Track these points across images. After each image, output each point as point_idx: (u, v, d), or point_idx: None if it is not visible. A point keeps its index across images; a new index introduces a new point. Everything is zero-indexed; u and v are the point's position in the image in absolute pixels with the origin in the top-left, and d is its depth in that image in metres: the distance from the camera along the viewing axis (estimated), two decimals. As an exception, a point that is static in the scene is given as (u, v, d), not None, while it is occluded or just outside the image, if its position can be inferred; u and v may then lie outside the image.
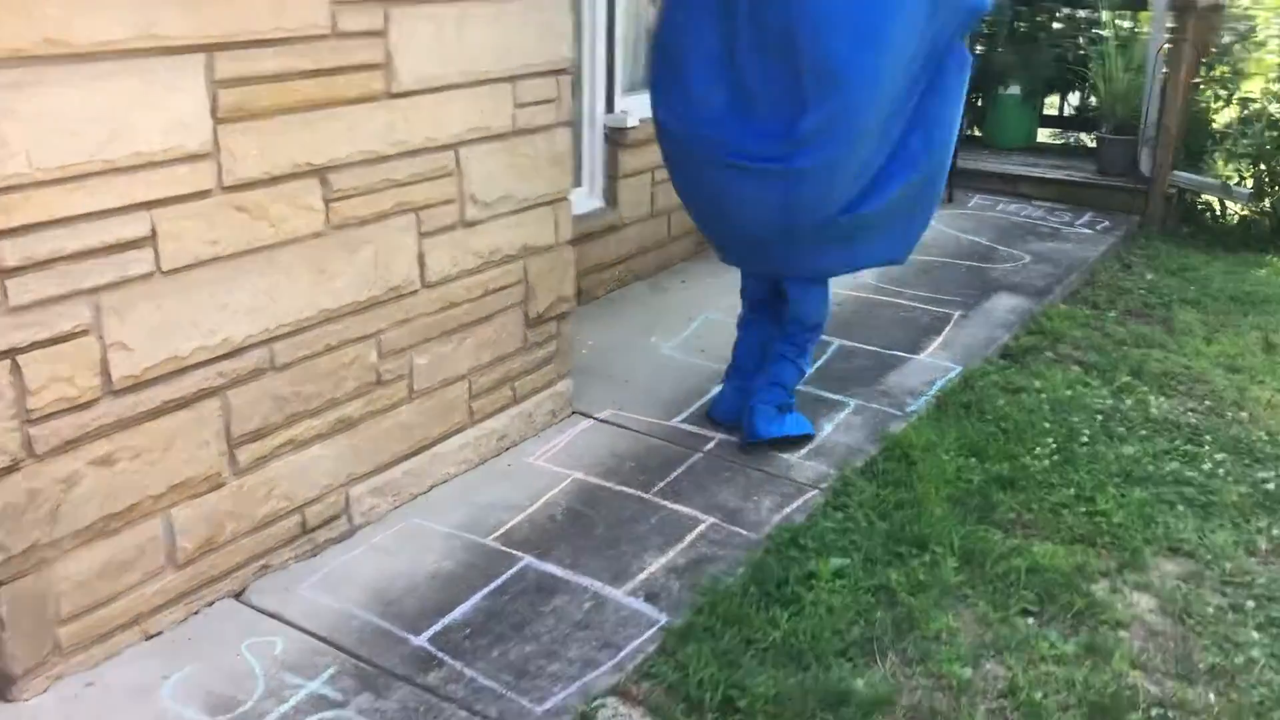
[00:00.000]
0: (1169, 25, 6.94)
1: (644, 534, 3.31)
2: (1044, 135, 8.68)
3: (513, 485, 3.55)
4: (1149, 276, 6.10)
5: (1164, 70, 6.95)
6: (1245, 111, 6.92)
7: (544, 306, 3.80)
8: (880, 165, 3.49)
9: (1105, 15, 7.78)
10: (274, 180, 2.77)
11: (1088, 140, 8.40)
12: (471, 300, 3.48)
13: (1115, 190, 7.17)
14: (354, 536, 3.23)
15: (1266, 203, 6.97)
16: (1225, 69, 7.11)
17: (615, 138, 5.22)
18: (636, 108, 5.41)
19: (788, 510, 3.47)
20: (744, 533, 3.33)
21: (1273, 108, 7.01)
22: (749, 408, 3.83)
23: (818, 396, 4.28)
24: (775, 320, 3.95)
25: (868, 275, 5.65)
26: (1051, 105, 8.65)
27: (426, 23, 3.10)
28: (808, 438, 3.91)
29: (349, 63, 2.90)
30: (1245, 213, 7.04)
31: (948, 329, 5.05)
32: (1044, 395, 4.36)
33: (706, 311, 5.15)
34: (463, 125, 3.30)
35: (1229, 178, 7.12)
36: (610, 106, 5.26)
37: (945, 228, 6.64)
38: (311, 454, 3.04)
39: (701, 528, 3.35)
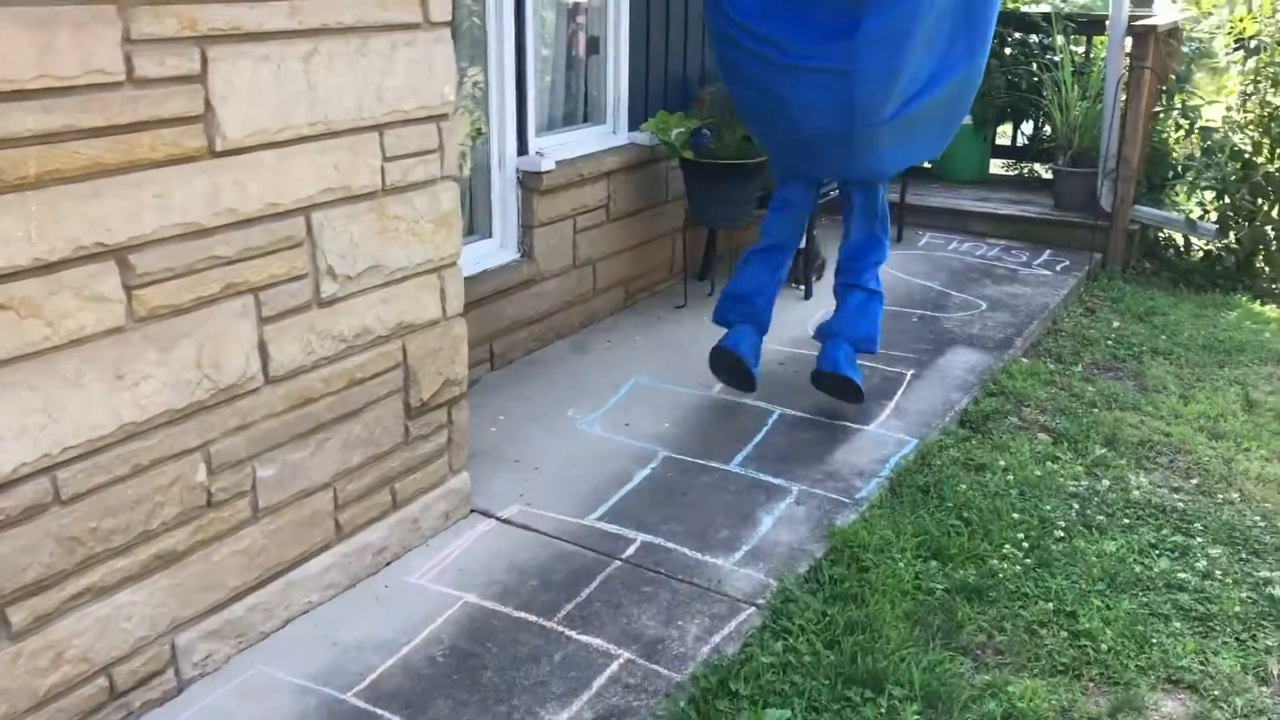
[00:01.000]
0: (1127, 51, 6.53)
1: (543, 679, 2.72)
2: (997, 166, 8.26)
3: (389, 615, 2.96)
4: (1115, 324, 5.64)
5: (1122, 99, 6.54)
6: (1207, 142, 6.52)
7: (429, 393, 3.22)
8: (933, 63, 3.69)
9: (1059, 40, 7.37)
10: (49, 267, 2.17)
11: (1043, 172, 7.97)
12: (333, 393, 2.89)
13: (1074, 226, 6.72)
14: (184, 694, 2.62)
15: (1232, 237, 6.57)
16: (1185, 96, 6.70)
17: (530, 183, 4.66)
18: (554, 148, 4.86)
19: (718, 638, 2.90)
20: (664, 672, 2.76)
21: (1235, 138, 6.63)
22: (842, 349, 4.17)
23: (755, 482, 3.74)
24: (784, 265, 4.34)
25: (810, 328, 5.14)
26: (1004, 135, 8.23)
27: (261, 64, 2.52)
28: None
29: (154, 116, 2.31)
30: (1210, 248, 6.63)
31: (900, 392, 4.53)
32: (1011, 475, 3.84)
33: (636, 375, 4.60)
34: (315, 186, 2.72)
35: (1192, 212, 6.72)
36: (523, 148, 4.70)
37: (895, 271, 6.15)
38: (119, 601, 2.43)
39: (613, 667, 2.78)
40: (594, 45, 5.24)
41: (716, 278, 5.61)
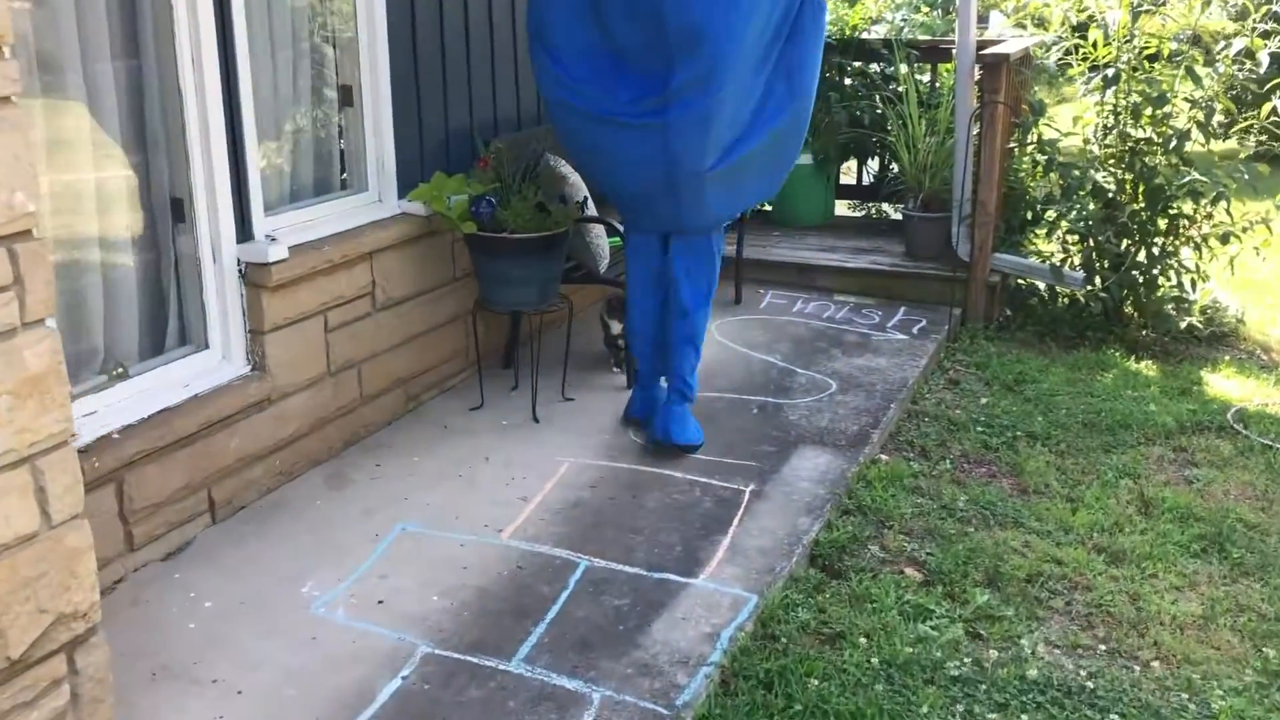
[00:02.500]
0: (976, 81, 5.86)
1: None
2: (842, 207, 7.54)
3: None
4: (983, 399, 4.90)
5: (975, 134, 5.86)
6: (1067, 180, 5.87)
7: (26, 643, 2.17)
8: (751, 112, 3.78)
9: (902, 70, 6.68)
10: None
11: (892, 212, 7.28)
12: None
13: (929, 279, 6.00)
14: None
15: (1098, 282, 5.94)
16: (1042, 130, 6.06)
17: (256, 277, 3.63)
18: (294, 228, 3.84)
19: None
20: None
21: (1097, 175, 6.01)
22: (663, 409, 4.14)
23: (544, 689, 2.78)
24: (662, 303, 4.16)
25: (632, 434, 4.22)
26: (849, 172, 7.51)
27: None
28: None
29: None
30: (1077, 296, 5.99)
31: (736, 520, 3.64)
32: (876, 654, 2.98)
33: (404, 518, 3.60)
34: None
35: (1054, 256, 6.08)
36: (246, 231, 3.66)
37: (731, 343, 5.30)
38: None
39: None
40: (347, 95, 4.24)
41: (523, 368, 4.65)
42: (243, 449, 3.62)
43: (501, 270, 4.23)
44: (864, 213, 7.53)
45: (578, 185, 4.65)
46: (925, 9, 19.93)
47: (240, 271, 3.64)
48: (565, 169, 4.68)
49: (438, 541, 3.48)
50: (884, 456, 4.30)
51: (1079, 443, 4.46)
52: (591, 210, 4.66)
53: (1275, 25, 7.11)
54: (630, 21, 3.68)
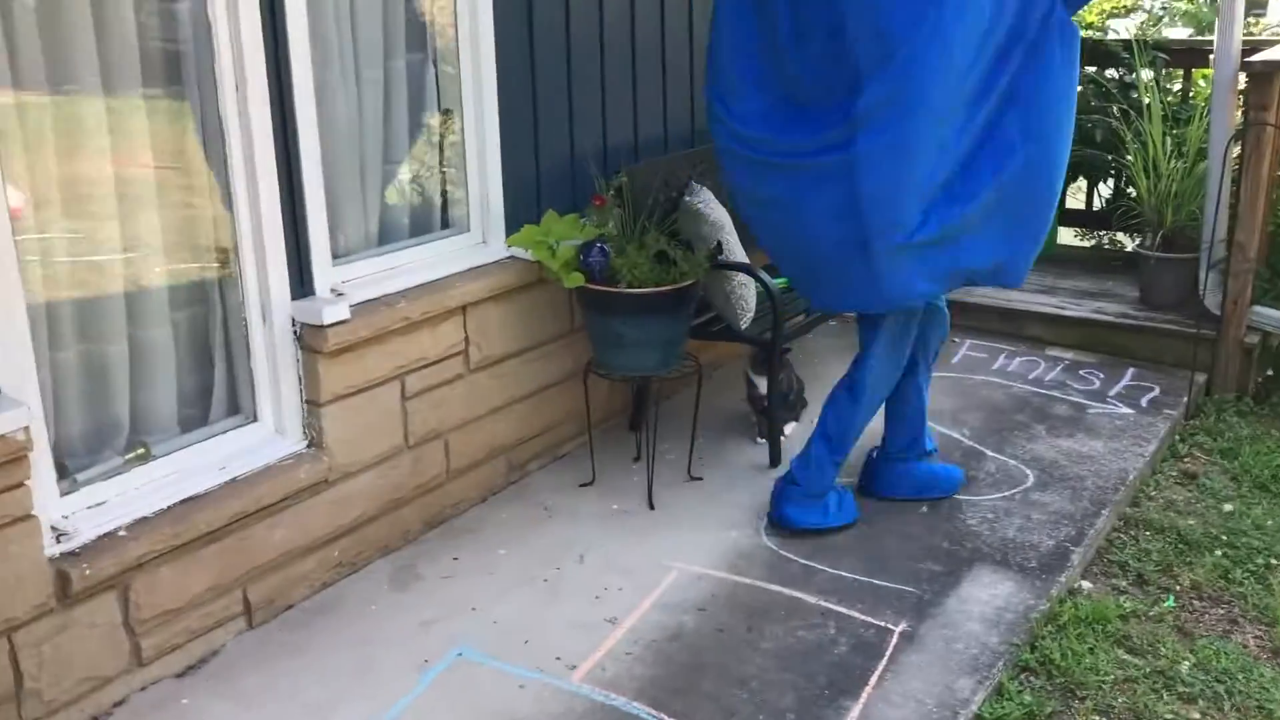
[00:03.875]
0: (1240, 91, 4.72)
1: None
2: (1066, 234, 6.43)
3: None
4: (1227, 506, 3.84)
5: (1234, 158, 4.72)
6: (1357, 217, 4.65)
7: None
8: (968, 152, 3.00)
9: (1144, 76, 5.55)
10: None
11: (1127, 242, 6.13)
12: None
13: (1167, 334, 4.90)
14: None
15: (1392, 346, 4.70)
16: (1324, 153, 4.83)
17: (311, 340, 3.09)
18: (371, 278, 3.31)
19: None
20: None
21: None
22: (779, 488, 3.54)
23: None
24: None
25: (764, 539, 3.47)
26: (1077, 192, 6.38)
27: None
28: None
29: None
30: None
31: (874, 678, 2.82)
32: None
33: (465, 639, 3.00)
34: None
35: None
36: (306, 287, 3.14)
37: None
38: None
39: None
40: (447, 120, 3.66)
41: (648, 434, 3.95)
42: (290, 541, 3.10)
43: (614, 330, 3.55)
44: (1093, 241, 6.40)
45: (718, 224, 3.91)
46: (1190, -5, 17.81)
47: (295, 333, 3.11)
48: (706, 204, 3.95)
49: (495, 677, 2.84)
50: (1086, 584, 3.36)
51: (1359, 580, 3.38)
52: (734, 255, 3.91)
53: None
54: (801, 50, 3.03)
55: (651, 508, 3.67)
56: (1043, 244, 3.25)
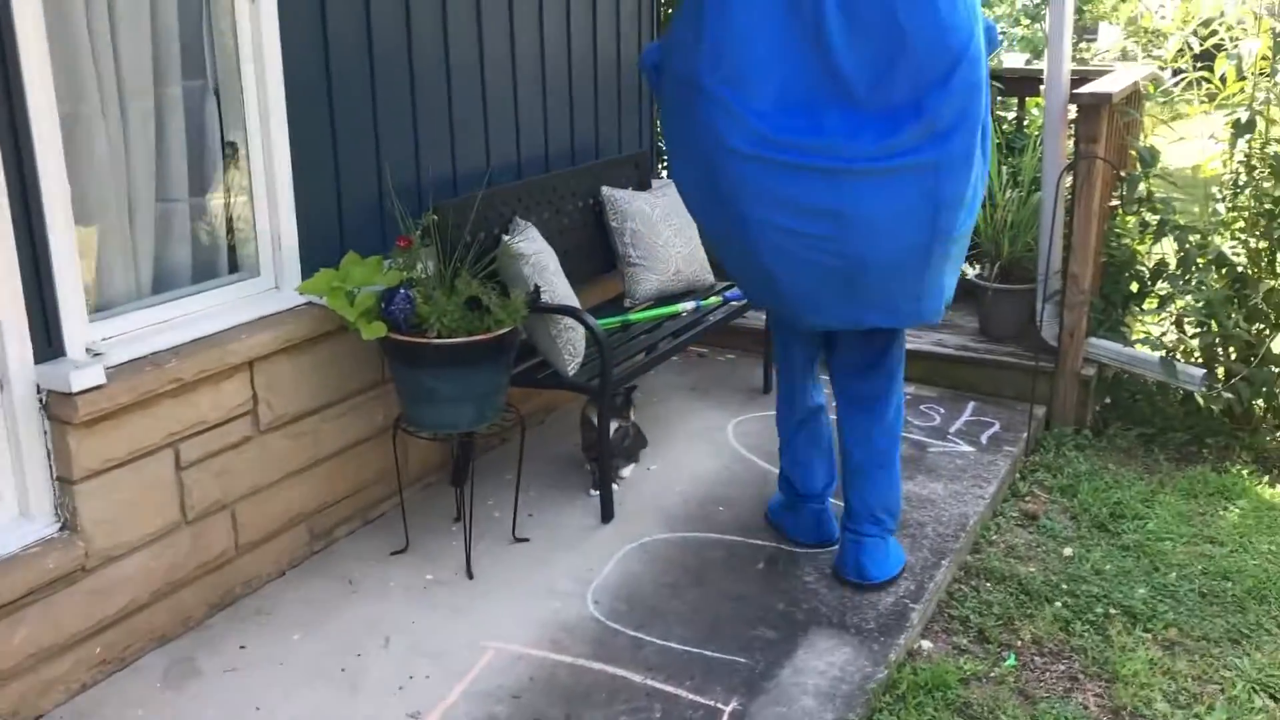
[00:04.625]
0: (1071, 121, 4.70)
1: None
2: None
3: None
4: (1067, 550, 3.75)
5: (1068, 189, 4.70)
6: (1184, 248, 4.67)
7: None
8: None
9: (980, 105, 5.52)
10: None
11: (968, 270, 6.10)
12: None
13: (1007, 367, 4.85)
14: None
15: (1221, 374, 4.74)
16: (1153, 184, 4.86)
17: (60, 410, 2.69)
18: (130, 336, 2.90)
19: None
20: None
21: (1222, 242, 4.81)
22: (856, 541, 3.33)
23: None
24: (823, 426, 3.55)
25: (590, 609, 3.20)
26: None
27: None
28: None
29: None
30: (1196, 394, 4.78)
31: (703, 769, 2.59)
32: None
33: (246, 742, 2.63)
34: None
35: (1165, 336, 4.88)
36: (54, 347, 2.73)
37: (749, 451, 4.25)
38: None
39: None
40: (233, 153, 3.29)
41: (469, 492, 3.64)
42: (36, 641, 2.68)
43: (423, 384, 3.23)
44: (934, 270, 6.35)
45: (540, 265, 3.64)
46: (1026, 21, 18.43)
47: (41, 402, 2.70)
48: (529, 242, 3.68)
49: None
50: (926, 643, 3.20)
51: (1195, 626, 3.30)
52: (558, 297, 3.65)
53: None
54: (856, 41, 2.82)
55: (470, 576, 3.36)
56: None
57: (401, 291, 3.16)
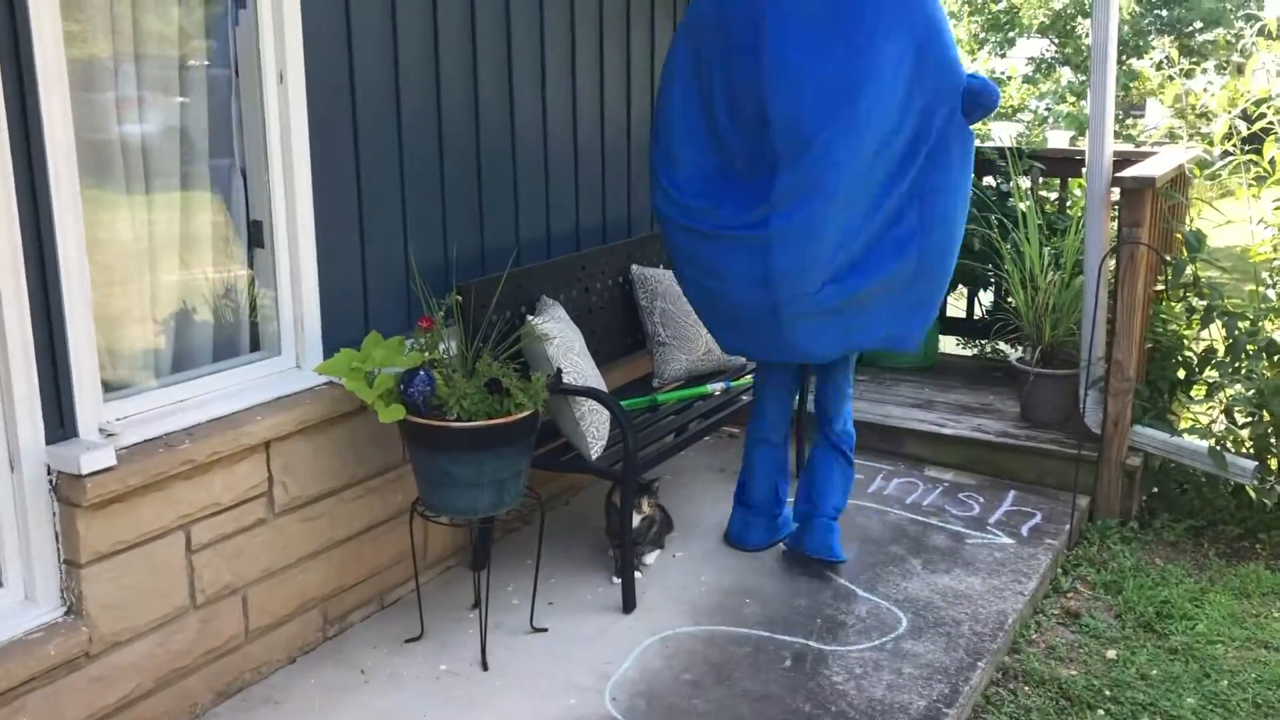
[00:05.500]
0: (1114, 203, 4.59)
1: None
2: (948, 342, 6.27)
3: None
4: (1110, 653, 3.58)
5: (1111, 272, 4.58)
6: (1233, 334, 4.53)
7: None
8: (871, 237, 3.37)
9: (1020, 185, 5.45)
10: None
11: (1010, 351, 5.97)
12: None
13: (1049, 455, 4.69)
14: None
15: (1274, 465, 4.56)
16: (1200, 267, 4.73)
17: (69, 491, 2.65)
18: (145, 416, 2.86)
19: None
20: None
21: (1268, 326, 4.66)
22: (822, 524, 3.84)
23: None
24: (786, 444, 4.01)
25: (607, 704, 3.07)
26: (958, 299, 6.22)
27: None
28: None
29: None
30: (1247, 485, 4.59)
31: None
32: None
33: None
34: None
35: (1214, 424, 4.71)
36: (67, 428, 2.70)
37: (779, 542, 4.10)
38: None
39: None
40: (257, 233, 3.28)
41: (498, 573, 3.54)
42: (35, 730, 2.61)
43: (441, 468, 3.16)
44: (975, 350, 6.23)
45: (565, 345, 3.58)
46: (1073, 99, 18.40)
47: (51, 483, 2.66)
48: (552, 322, 3.63)
49: None
50: (959, 756, 3.03)
51: (1253, 742, 3.11)
52: (583, 378, 3.58)
53: None
54: (736, 123, 3.38)
55: (485, 668, 3.25)
56: (936, 310, 3.59)
57: (421, 373, 3.11)
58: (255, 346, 3.33)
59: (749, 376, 4.51)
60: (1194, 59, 17.10)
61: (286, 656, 3.27)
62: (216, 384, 3.12)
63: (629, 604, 3.59)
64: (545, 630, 3.47)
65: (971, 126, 3.36)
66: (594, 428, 3.60)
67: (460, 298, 3.39)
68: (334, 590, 3.40)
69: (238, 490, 3.04)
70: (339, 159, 3.33)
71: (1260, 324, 4.58)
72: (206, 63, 3.11)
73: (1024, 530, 4.26)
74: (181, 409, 2.98)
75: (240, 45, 3.14)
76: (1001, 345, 5.99)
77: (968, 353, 6.26)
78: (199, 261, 3.15)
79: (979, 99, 3.28)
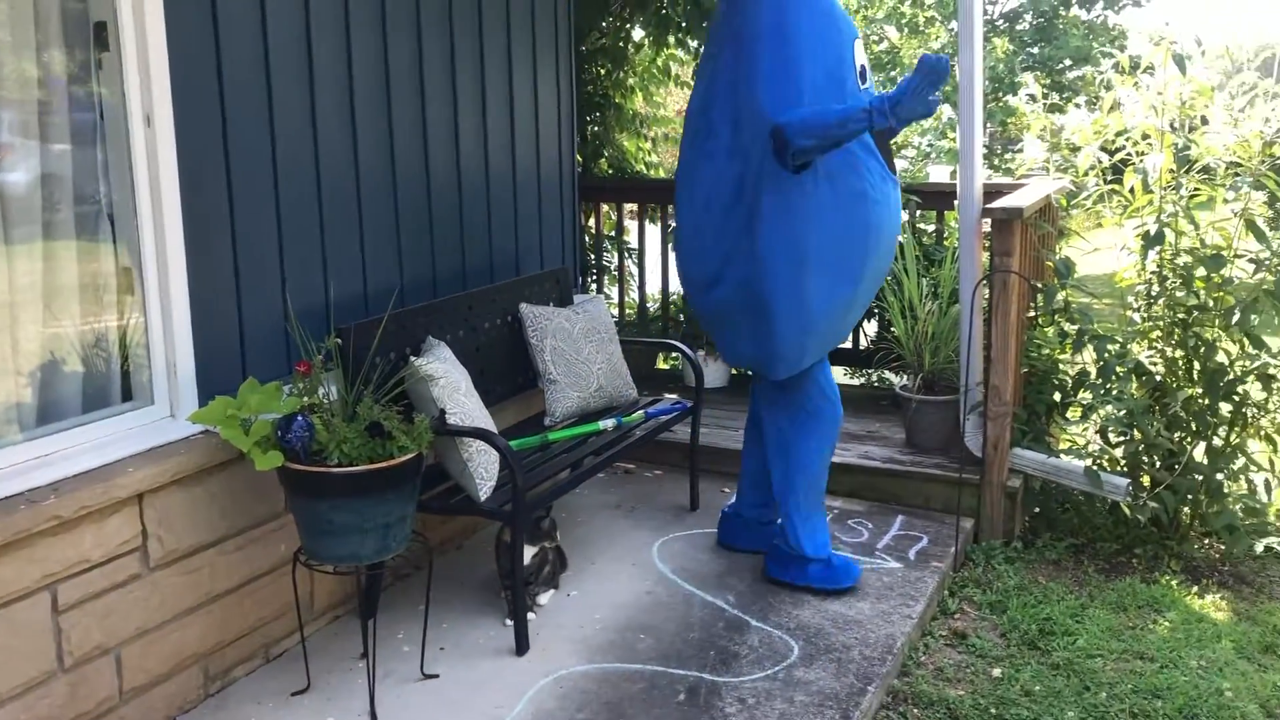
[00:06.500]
0: (986, 234, 4.75)
1: None
2: (836, 373, 6.37)
3: None
4: (996, 671, 3.66)
5: (986, 300, 4.73)
6: (1103, 357, 4.70)
7: None
8: (721, 258, 3.74)
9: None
10: None
11: (895, 380, 6.11)
12: None
13: (934, 480, 4.80)
14: None
15: (1146, 482, 4.73)
16: (1070, 293, 4.92)
17: (-77, 552, 2.52)
18: (4, 473, 2.73)
19: None
20: None
21: (1139, 350, 4.86)
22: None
23: None
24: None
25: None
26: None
27: None
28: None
29: None
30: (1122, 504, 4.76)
31: None
32: None
33: None
34: None
35: (1089, 445, 4.87)
36: (-82, 486, 2.57)
37: (672, 573, 4.13)
38: None
39: None
40: (126, 278, 3.19)
41: (388, 621, 3.47)
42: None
43: (322, 515, 3.09)
44: (862, 380, 6.37)
45: (451, 385, 3.55)
46: (953, 135, 19.00)
47: (-100, 545, 2.54)
48: (436, 363, 3.59)
49: None
50: (852, 780, 3.06)
51: (1130, 749, 3.21)
52: (470, 418, 3.55)
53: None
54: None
55: (373, 718, 3.18)
56: (784, 352, 3.73)
57: (300, 418, 3.05)
58: (128, 396, 3.22)
59: (640, 413, 4.53)
60: (1065, 95, 17.84)
61: (165, 716, 3.15)
62: (85, 436, 3.01)
63: (522, 646, 3.55)
64: (436, 676, 3.41)
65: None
66: (482, 468, 3.57)
67: (339, 340, 3.34)
68: (215, 645, 3.29)
69: (109, 546, 2.93)
70: (211, 202, 3.27)
71: (1129, 346, 4.77)
72: (70, 107, 3.03)
73: (911, 554, 4.35)
74: (47, 463, 2.87)
75: (105, 88, 3.06)
76: (887, 373, 6.13)
77: (855, 381, 6.39)
78: (66, 311, 3.05)
79: (782, 134, 3.43)
